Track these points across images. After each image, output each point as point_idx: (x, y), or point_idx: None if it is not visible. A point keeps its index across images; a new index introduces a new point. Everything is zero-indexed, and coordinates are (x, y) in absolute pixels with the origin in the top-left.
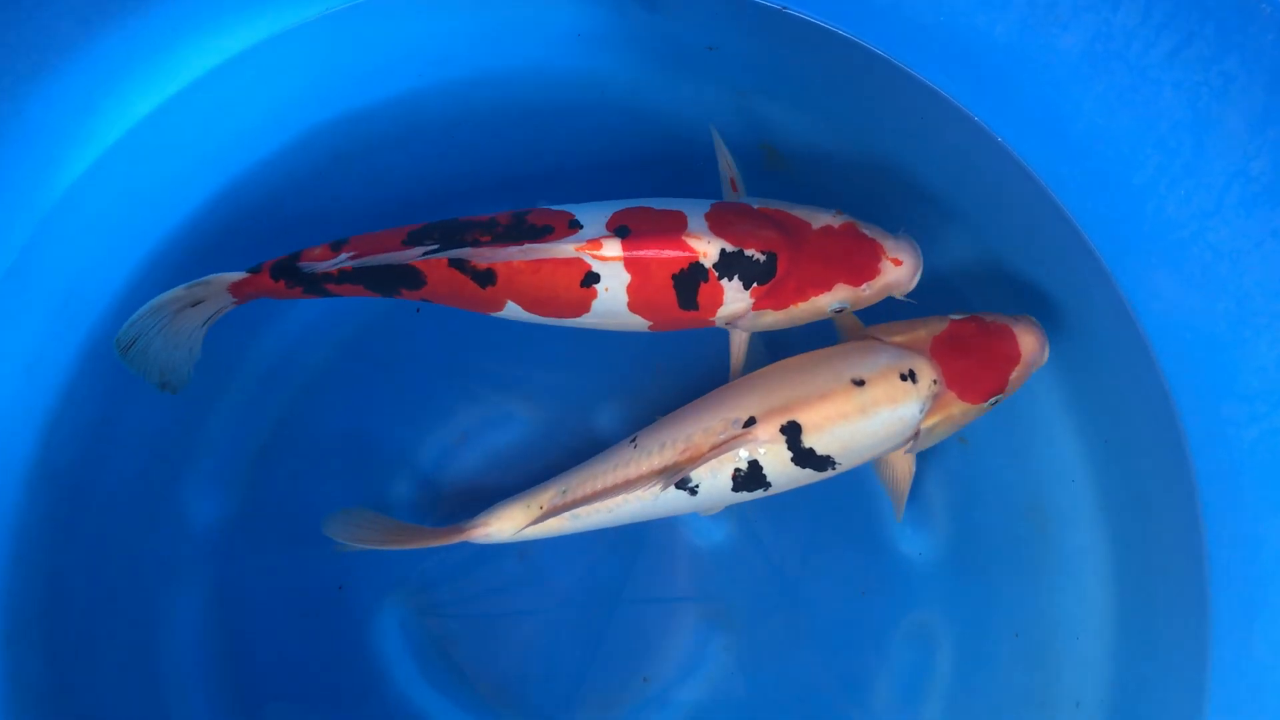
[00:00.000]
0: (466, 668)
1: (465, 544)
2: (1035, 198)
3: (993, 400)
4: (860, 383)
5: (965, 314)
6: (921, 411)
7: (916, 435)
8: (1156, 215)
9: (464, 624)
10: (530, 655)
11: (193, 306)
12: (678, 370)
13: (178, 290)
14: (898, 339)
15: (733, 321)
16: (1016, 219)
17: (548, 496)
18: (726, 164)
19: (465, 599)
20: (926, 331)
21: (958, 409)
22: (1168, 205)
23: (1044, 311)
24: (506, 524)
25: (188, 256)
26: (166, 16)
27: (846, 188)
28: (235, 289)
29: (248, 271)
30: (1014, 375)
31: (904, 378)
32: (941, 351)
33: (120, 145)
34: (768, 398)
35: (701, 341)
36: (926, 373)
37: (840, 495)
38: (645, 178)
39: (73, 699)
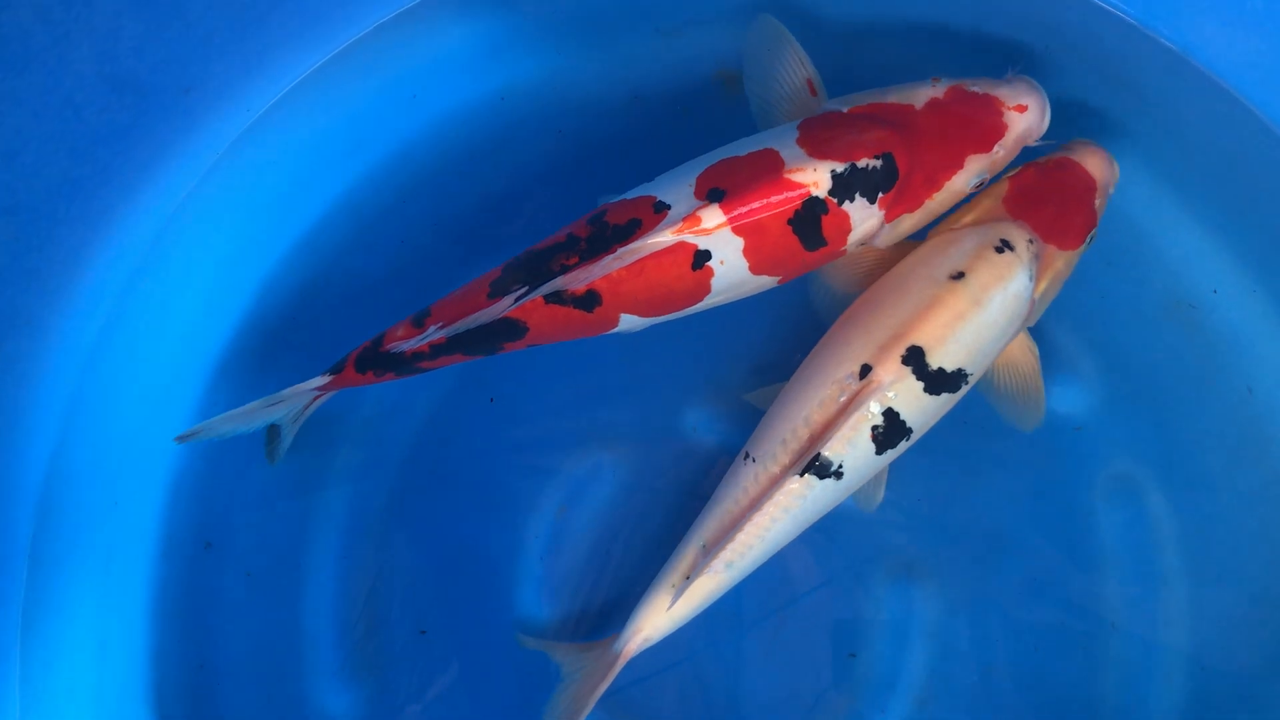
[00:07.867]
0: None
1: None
2: None
3: (1090, 237)
4: (960, 275)
5: (1015, 168)
6: (1031, 278)
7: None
8: None
9: (652, 682)
10: (729, 686)
11: (270, 407)
12: (741, 338)
13: (253, 404)
14: (967, 219)
15: (868, 242)
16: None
17: (687, 562)
18: (799, 63)
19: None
20: (991, 199)
21: (1061, 260)
22: None
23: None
24: (658, 616)
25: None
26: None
27: (886, 57)
28: (323, 390)
29: (329, 374)
30: (1097, 203)
31: (999, 250)
32: (1019, 209)
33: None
34: (872, 335)
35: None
36: (1019, 235)
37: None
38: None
39: None
